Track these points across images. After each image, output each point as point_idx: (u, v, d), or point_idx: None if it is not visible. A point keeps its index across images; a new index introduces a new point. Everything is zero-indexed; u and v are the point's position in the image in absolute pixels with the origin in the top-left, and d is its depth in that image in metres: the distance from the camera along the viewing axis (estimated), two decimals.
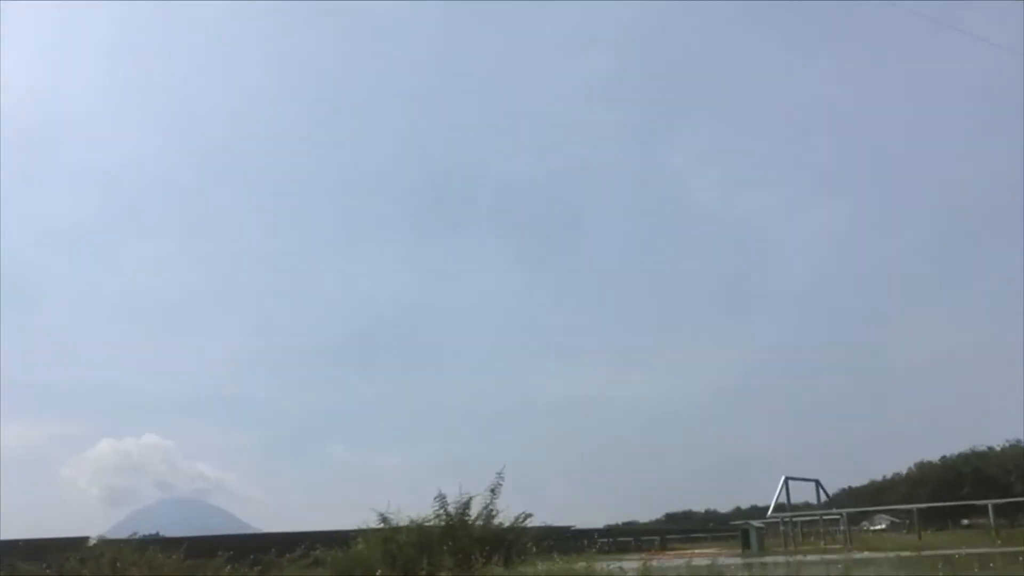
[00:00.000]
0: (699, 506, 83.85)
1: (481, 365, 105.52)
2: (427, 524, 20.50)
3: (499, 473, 21.18)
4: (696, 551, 49.43)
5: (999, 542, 33.79)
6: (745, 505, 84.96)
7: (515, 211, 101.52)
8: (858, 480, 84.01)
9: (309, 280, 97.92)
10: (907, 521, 66.32)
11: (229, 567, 27.41)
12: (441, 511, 20.71)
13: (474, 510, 20.77)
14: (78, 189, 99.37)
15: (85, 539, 38.04)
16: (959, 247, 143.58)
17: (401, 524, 20.55)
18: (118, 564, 25.01)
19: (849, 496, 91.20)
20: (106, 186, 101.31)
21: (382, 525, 20.95)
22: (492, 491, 21.08)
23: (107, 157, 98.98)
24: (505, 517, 20.91)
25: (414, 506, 20.91)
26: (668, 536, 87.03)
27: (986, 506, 55.75)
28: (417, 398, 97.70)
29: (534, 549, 20.72)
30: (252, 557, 31.93)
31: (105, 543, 31.27)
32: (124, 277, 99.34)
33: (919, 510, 57.10)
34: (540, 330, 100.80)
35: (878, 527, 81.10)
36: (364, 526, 21.64)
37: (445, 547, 19.10)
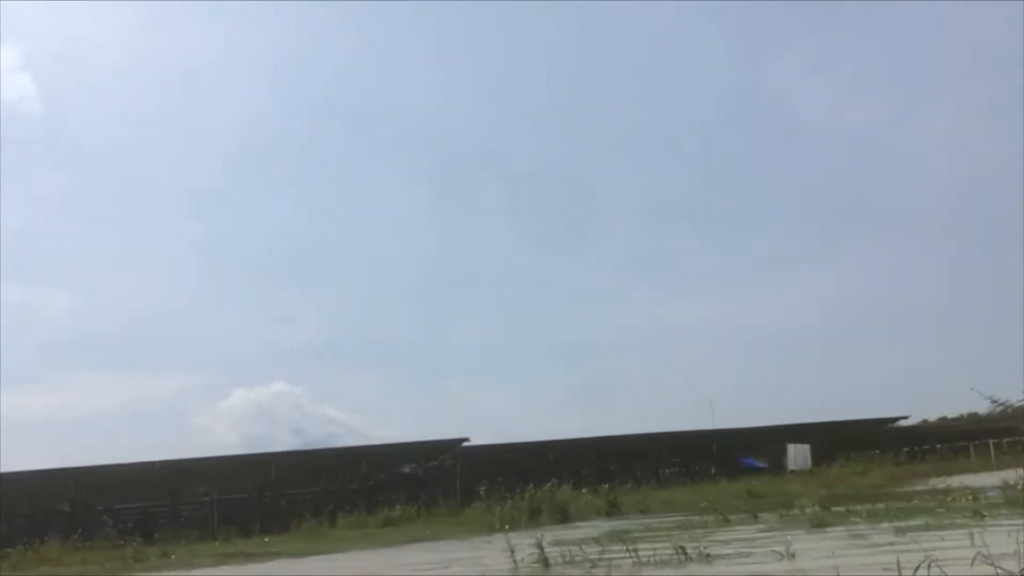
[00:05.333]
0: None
1: (582, 295, 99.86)
2: None
3: None
4: None
5: None
6: None
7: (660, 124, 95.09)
8: None
9: (419, 226, 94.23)
10: None
11: None
12: None
13: None
14: (186, 148, 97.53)
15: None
16: None
17: None
18: None
19: None
20: (220, 142, 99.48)
21: None
22: None
23: (221, 115, 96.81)
24: None
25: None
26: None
27: None
28: (533, 334, 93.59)
29: None
30: None
31: None
32: (241, 228, 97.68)
33: None
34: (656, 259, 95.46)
35: None
36: None
37: None
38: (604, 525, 19.03)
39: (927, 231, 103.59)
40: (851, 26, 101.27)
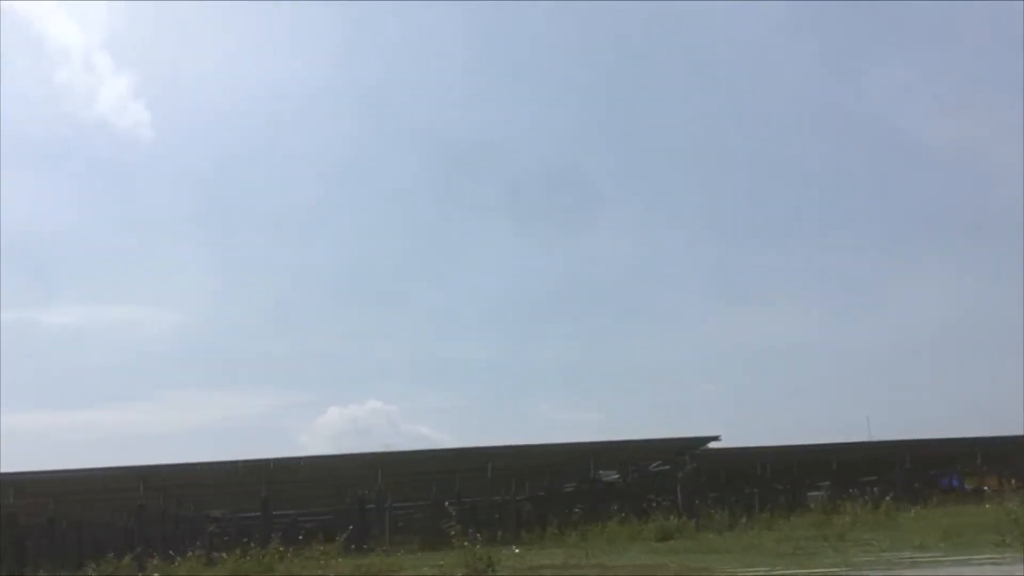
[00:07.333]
0: None
1: (677, 316, 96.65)
2: None
3: None
4: None
5: None
6: None
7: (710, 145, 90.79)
8: None
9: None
10: None
11: None
12: None
13: None
14: (278, 174, 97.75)
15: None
16: None
17: None
18: None
19: None
20: (312, 167, 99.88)
21: None
22: None
23: (313, 142, 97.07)
24: None
25: None
26: None
27: None
28: (617, 354, 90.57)
29: None
30: None
31: None
32: (333, 250, 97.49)
33: None
34: (735, 275, 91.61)
35: None
36: None
37: None
38: None
39: None
40: (955, 39, 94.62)
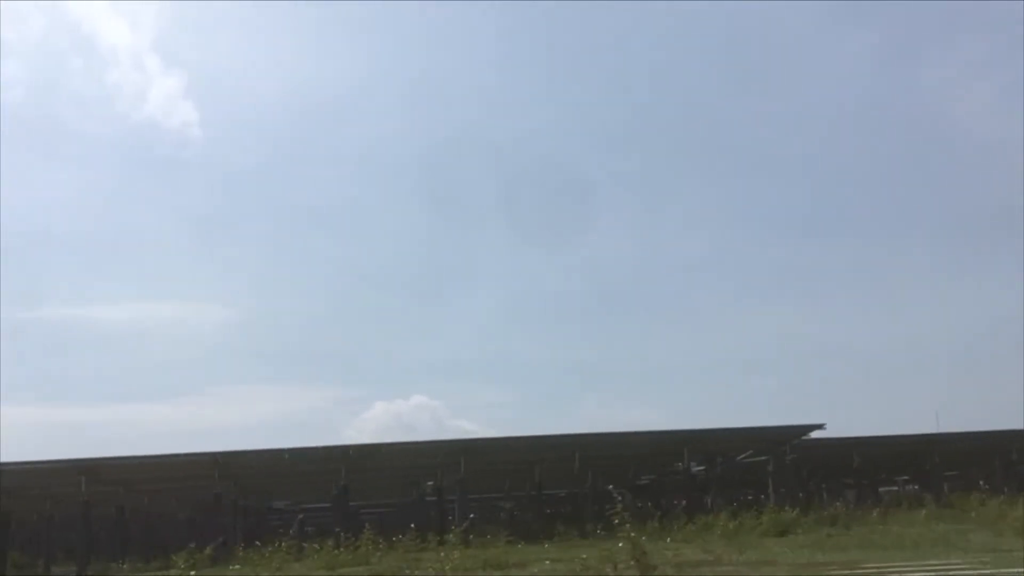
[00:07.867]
0: None
1: (721, 313, 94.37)
2: None
3: None
4: None
5: None
6: None
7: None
8: None
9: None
10: None
11: None
12: None
13: None
14: (331, 169, 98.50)
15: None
16: None
17: None
18: None
19: None
20: (357, 165, 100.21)
21: None
22: None
23: (357, 139, 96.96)
24: None
25: None
26: None
27: None
28: (663, 350, 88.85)
29: None
30: None
31: None
32: (380, 249, 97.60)
33: None
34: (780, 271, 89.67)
35: None
36: None
37: None
38: None
39: None
40: (1012, 29, 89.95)
